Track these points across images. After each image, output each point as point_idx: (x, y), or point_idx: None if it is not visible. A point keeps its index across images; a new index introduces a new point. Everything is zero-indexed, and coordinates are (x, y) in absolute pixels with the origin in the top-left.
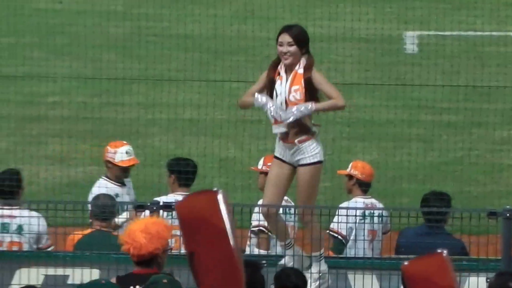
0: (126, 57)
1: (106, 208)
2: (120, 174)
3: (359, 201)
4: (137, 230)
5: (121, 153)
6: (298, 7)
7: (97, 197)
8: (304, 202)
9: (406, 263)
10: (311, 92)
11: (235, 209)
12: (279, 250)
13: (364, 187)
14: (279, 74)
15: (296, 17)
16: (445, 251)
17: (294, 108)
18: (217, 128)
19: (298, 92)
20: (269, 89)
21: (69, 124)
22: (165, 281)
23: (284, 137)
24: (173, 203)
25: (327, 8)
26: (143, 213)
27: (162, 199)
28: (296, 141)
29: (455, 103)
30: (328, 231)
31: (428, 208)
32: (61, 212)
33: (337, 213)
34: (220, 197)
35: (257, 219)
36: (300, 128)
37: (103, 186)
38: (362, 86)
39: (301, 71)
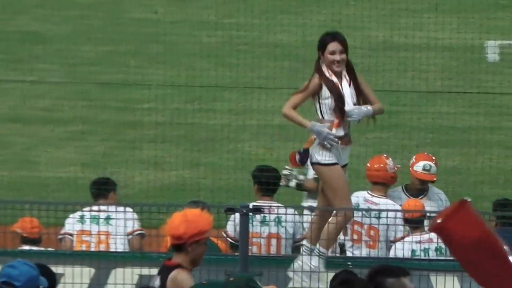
0: (218, 65)
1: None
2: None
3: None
4: (177, 214)
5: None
6: (383, 17)
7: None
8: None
9: (437, 220)
10: (358, 95)
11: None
12: None
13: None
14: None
15: (382, 27)
16: (468, 199)
17: (364, 108)
18: (305, 134)
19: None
20: (317, 94)
21: (163, 130)
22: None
23: (346, 138)
24: (263, 207)
25: (411, 19)
26: (234, 215)
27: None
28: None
29: None
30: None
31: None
32: (155, 214)
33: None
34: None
35: None
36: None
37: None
38: (445, 94)
39: (347, 76)
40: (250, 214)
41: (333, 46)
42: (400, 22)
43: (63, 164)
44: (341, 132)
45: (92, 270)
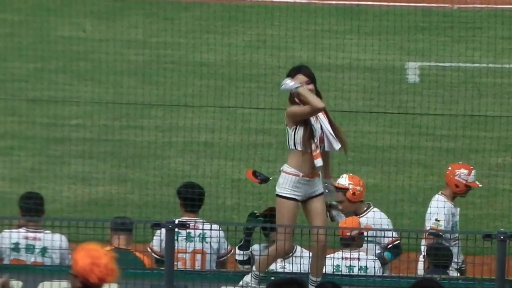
0: (145, 83)
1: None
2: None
3: None
4: (101, 253)
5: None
6: (307, 37)
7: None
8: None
9: None
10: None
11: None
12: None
13: None
14: None
15: (305, 48)
16: None
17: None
18: (230, 151)
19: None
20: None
21: (90, 146)
22: None
23: (313, 172)
24: (188, 223)
25: (334, 40)
26: (159, 231)
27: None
28: (319, 172)
29: (454, 130)
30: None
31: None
32: (82, 229)
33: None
34: None
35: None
36: None
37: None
38: (367, 114)
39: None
40: (176, 229)
41: (298, 78)
42: (323, 43)
43: None
44: (320, 163)
45: (20, 283)
